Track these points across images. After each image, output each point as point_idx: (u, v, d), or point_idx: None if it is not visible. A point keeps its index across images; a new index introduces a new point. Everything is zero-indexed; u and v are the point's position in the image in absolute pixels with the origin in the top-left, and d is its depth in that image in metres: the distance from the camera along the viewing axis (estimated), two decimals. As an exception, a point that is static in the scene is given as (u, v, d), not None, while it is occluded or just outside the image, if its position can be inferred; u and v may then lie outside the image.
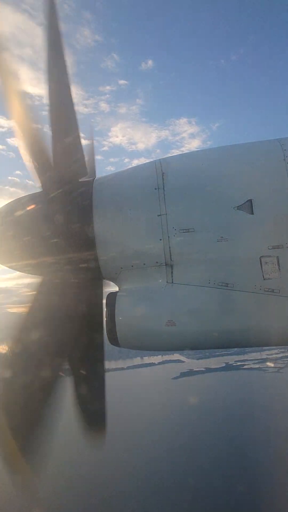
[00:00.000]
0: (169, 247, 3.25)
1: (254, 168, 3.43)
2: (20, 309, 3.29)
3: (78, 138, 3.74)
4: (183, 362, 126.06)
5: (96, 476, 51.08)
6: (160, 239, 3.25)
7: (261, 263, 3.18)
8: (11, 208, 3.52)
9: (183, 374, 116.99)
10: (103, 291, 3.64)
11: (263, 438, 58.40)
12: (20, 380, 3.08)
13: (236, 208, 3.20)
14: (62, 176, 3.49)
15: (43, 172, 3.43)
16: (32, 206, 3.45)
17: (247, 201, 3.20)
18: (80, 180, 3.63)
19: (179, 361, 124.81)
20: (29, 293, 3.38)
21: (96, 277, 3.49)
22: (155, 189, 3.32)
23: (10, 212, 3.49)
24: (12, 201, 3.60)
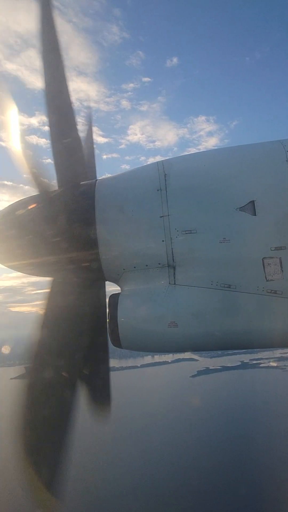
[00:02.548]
0: (172, 248, 3.24)
1: (256, 169, 3.41)
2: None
3: (79, 140, 3.75)
4: (197, 360, 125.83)
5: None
6: (163, 240, 3.24)
7: (263, 264, 3.15)
8: (13, 209, 3.57)
9: (200, 373, 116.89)
10: (106, 292, 3.67)
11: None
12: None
13: (238, 209, 3.18)
14: (64, 178, 3.52)
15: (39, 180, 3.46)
16: (35, 207, 3.49)
17: (250, 202, 3.18)
18: (82, 181, 3.65)
19: (192, 359, 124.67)
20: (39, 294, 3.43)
21: (98, 278, 3.51)
22: (158, 190, 3.32)
23: (12, 213, 3.54)
24: (15, 202, 3.66)
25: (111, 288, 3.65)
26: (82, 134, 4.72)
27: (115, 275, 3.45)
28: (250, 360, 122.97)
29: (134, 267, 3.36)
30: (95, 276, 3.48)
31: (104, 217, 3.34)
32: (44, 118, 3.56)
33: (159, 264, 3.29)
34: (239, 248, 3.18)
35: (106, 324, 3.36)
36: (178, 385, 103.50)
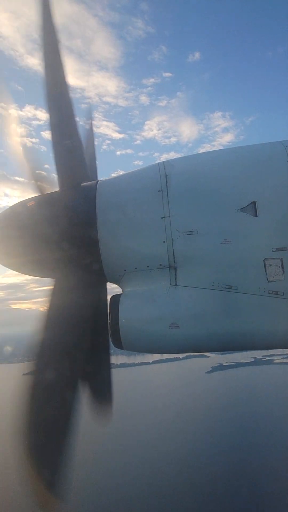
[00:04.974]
0: (173, 250, 3.25)
1: (257, 170, 3.41)
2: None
3: (80, 141, 3.77)
4: (208, 356, 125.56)
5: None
6: (164, 241, 3.25)
7: (265, 265, 3.15)
8: (15, 210, 3.62)
9: (215, 369, 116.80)
10: (107, 293, 3.68)
11: None
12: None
13: (239, 210, 3.18)
14: (66, 179, 3.54)
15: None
16: (36, 208, 3.53)
17: (251, 203, 3.17)
18: (83, 183, 3.67)
19: (203, 355, 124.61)
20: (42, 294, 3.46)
21: (99, 280, 3.53)
22: (159, 191, 3.32)
23: (14, 214, 3.59)
24: (16, 204, 3.70)
25: (111, 287, 3.66)
26: (83, 133, 4.74)
27: (116, 276, 3.46)
28: (263, 356, 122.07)
29: (135, 268, 3.37)
30: (97, 277, 3.50)
31: (105, 218, 3.36)
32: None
33: (160, 265, 3.29)
34: (241, 249, 3.18)
35: (107, 325, 3.38)
36: (197, 381, 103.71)
